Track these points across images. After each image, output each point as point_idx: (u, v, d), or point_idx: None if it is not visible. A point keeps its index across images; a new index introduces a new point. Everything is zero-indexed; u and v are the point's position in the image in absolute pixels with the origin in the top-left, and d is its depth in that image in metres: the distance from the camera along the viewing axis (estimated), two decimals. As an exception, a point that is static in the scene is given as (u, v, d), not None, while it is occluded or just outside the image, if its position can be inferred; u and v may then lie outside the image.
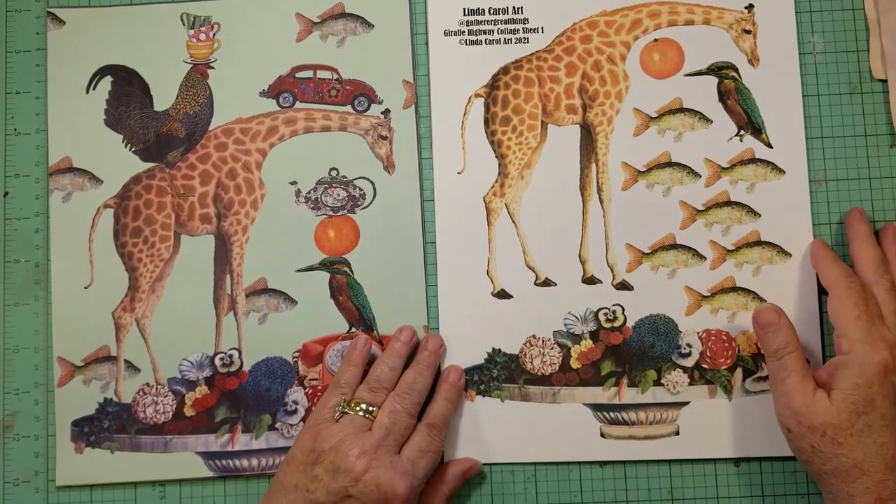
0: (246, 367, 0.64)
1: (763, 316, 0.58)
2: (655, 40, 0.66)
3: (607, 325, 0.64)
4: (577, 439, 0.63)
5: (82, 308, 0.64)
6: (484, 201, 0.65)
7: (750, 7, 0.65)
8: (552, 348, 0.64)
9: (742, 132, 0.65)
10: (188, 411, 0.64)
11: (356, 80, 0.66)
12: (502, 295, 0.64)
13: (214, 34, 0.66)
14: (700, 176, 0.65)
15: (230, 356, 0.64)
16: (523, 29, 0.66)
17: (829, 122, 0.65)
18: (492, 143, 0.65)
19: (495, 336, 0.64)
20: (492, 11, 0.66)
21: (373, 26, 0.66)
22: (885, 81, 0.64)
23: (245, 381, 0.64)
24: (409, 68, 0.66)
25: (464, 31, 0.66)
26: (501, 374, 0.64)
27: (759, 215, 0.64)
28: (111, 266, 0.65)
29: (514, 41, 0.66)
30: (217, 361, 0.64)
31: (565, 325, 0.64)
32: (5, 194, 0.66)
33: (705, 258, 0.64)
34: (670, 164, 0.65)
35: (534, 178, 0.65)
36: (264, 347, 0.64)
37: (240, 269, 0.64)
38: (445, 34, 0.66)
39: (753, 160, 0.64)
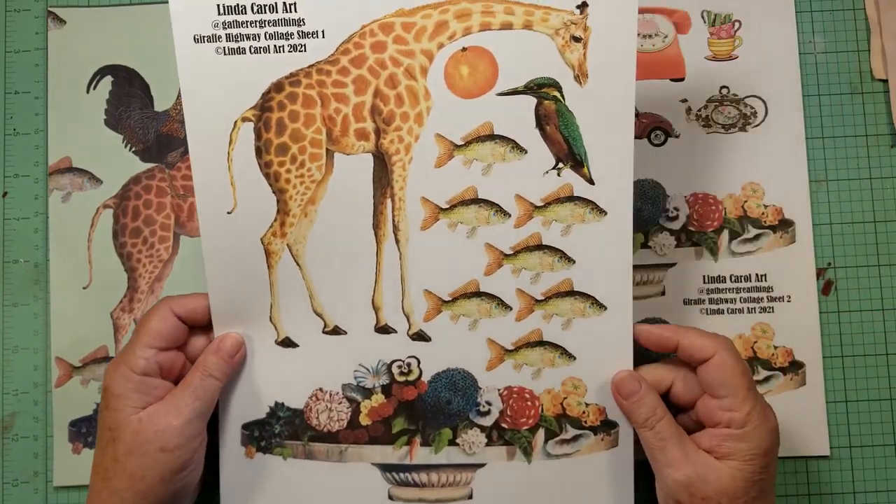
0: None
1: (625, 386, 0.55)
2: (464, 49, 0.55)
3: (401, 379, 0.58)
4: (362, 502, 0.58)
5: (81, 308, 0.64)
6: (262, 243, 0.56)
7: (583, 6, 0.53)
8: (340, 403, 0.58)
9: (561, 165, 0.56)
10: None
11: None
12: (287, 343, 0.58)
13: (215, 34, 0.66)
14: (510, 215, 0.56)
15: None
16: (298, 33, 0.54)
17: (829, 122, 0.64)
18: (267, 175, 0.56)
19: (278, 388, 0.58)
20: (255, 9, 0.53)
21: None
22: (885, 81, 0.64)
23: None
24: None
25: (220, 37, 0.54)
26: (284, 430, 0.58)
27: (574, 262, 0.56)
28: (110, 266, 0.64)
29: (286, 49, 0.54)
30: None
31: (356, 377, 0.58)
32: (4, 194, 0.66)
33: (511, 308, 0.57)
34: (476, 201, 0.56)
35: (319, 216, 0.56)
36: None
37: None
38: (196, 41, 0.54)
39: (571, 198, 0.56)
